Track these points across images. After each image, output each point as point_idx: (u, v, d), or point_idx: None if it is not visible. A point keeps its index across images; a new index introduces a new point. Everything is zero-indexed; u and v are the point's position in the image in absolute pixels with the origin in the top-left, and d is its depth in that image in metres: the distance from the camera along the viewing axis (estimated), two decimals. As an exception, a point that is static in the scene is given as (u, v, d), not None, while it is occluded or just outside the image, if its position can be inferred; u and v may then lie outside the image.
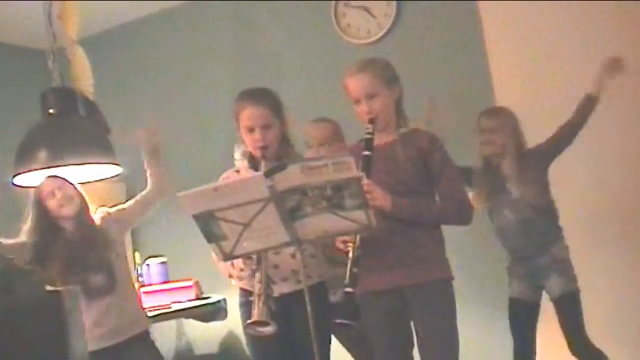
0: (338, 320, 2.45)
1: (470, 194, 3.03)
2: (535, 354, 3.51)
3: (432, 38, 4.42)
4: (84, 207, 3.28)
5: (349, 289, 2.46)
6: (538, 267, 3.45)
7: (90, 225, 3.28)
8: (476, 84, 4.24)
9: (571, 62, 3.99)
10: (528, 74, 4.10)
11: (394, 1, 4.49)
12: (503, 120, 3.51)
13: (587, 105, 3.41)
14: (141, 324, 3.36)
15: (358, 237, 2.51)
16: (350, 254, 2.52)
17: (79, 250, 3.20)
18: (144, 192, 3.42)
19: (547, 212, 3.48)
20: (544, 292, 3.52)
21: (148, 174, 3.41)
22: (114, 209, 3.41)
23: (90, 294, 3.18)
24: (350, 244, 2.52)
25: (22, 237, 3.21)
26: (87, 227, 3.26)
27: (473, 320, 3.92)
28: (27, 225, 3.23)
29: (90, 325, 3.13)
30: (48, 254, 3.16)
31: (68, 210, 3.22)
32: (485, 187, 3.50)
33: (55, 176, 3.27)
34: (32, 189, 3.27)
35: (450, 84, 4.28)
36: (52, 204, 3.21)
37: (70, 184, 3.28)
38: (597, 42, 3.93)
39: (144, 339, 3.35)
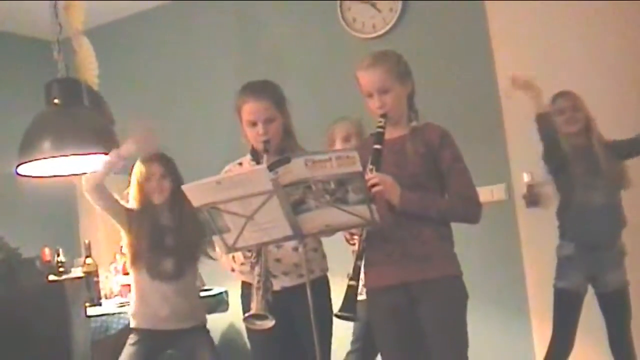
0: (338, 313, 2.45)
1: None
2: (572, 348, 3.46)
3: (437, 33, 4.41)
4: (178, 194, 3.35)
5: (351, 282, 2.46)
6: (604, 259, 3.42)
7: (185, 212, 3.30)
8: (481, 79, 4.24)
9: (576, 60, 3.98)
10: (533, 69, 4.08)
11: (400, -4, 4.50)
12: (578, 99, 3.51)
13: None
14: (200, 316, 3.48)
15: (365, 230, 2.51)
16: (357, 247, 2.52)
17: (166, 229, 3.34)
18: None
19: (620, 203, 3.47)
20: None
21: None
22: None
23: (159, 275, 3.30)
24: (356, 237, 2.52)
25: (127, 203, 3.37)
26: (181, 213, 3.33)
27: (485, 318, 3.91)
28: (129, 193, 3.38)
29: (147, 304, 3.29)
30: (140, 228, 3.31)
31: (161, 198, 3.34)
32: (577, 168, 3.44)
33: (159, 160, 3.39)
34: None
35: (455, 80, 4.28)
36: (149, 187, 3.34)
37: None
38: (602, 42, 3.93)
39: (204, 332, 3.46)
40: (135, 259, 3.32)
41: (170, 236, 3.34)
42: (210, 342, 3.46)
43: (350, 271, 2.49)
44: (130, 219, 3.34)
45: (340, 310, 2.44)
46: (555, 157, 3.48)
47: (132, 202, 3.38)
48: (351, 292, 2.45)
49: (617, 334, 3.42)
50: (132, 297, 3.43)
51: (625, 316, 3.42)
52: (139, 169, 3.36)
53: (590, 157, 3.44)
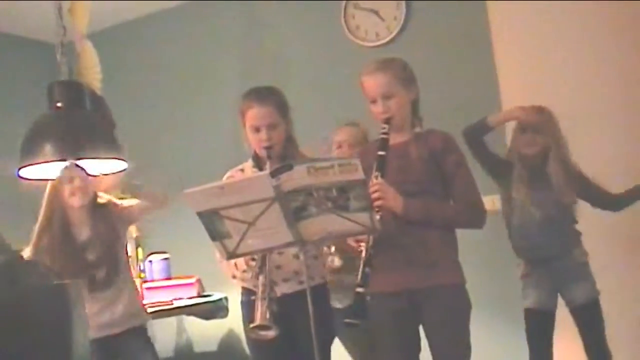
0: (347, 320, 2.44)
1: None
2: None
3: (440, 43, 4.42)
4: (94, 200, 3.32)
5: (359, 289, 2.46)
6: (559, 271, 3.37)
7: (100, 218, 3.30)
8: (483, 88, 4.24)
9: (579, 66, 3.97)
10: (535, 79, 4.09)
11: (404, 2, 4.50)
12: (545, 120, 3.40)
13: (635, 196, 3.38)
14: (139, 317, 3.40)
15: (372, 237, 2.50)
16: (363, 254, 2.52)
17: (87, 243, 3.25)
18: (139, 202, 3.40)
19: (569, 214, 3.42)
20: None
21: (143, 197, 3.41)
22: (121, 203, 3.42)
23: (94, 286, 3.23)
24: (362, 244, 2.52)
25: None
26: (97, 220, 3.29)
27: (485, 327, 3.90)
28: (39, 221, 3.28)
29: (92, 315, 3.18)
30: (55, 246, 3.21)
31: (79, 200, 3.25)
32: (522, 181, 3.39)
33: (76, 165, 3.30)
34: (49, 181, 3.30)
35: (458, 89, 4.29)
36: (66, 190, 3.25)
37: (87, 175, 3.31)
38: (605, 42, 3.92)
39: (141, 332, 3.39)
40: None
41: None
42: (148, 342, 3.42)
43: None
44: None
45: (349, 317, 2.44)
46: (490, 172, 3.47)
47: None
48: (360, 298, 2.45)
49: (592, 345, 3.36)
50: None
51: (597, 328, 3.36)
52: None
53: (540, 176, 3.38)
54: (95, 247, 3.26)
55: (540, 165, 3.41)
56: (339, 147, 3.59)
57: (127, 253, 3.45)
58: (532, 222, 3.38)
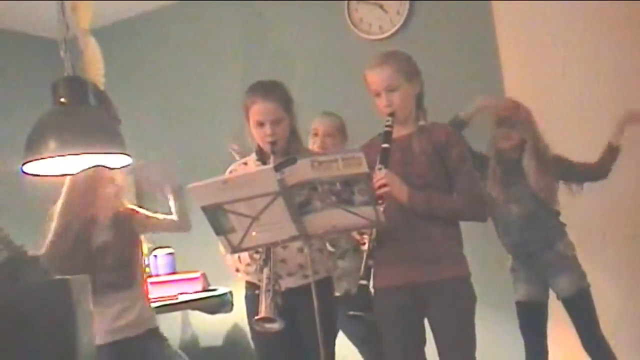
0: (351, 313, 2.44)
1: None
2: (547, 354, 3.48)
3: (444, 35, 4.41)
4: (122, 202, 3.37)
5: (363, 281, 2.46)
6: (543, 264, 3.41)
7: (121, 221, 3.33)
8: (487, 81, 4.23)
9: (582, 60, 3.98)
10: (539, 72, 4.08)
11: (407, -3, 4.50)
12: (521, 114, 3.45)
13: (610, 156, 3.41)
14: (153, 318, 3.44)
15: (375, 230, 2.50)
16: (367, 246, 2.52)
17: (104, 246, 3.28)
18: (168, 219, 3.46)
19: (550, 207, 3.45)
20: (550, 292, 3.49)
21: (173, 210, 3.45)
22: (143, 212, 3.48)
23: (110, 289, 3.25)
24: (366, 236, 2.52)
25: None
26: (118, 223, 3.32)
27: (488, 320, 3.90)
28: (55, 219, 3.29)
29: (109, 318, 3.23)
30: (69, 250, 3.24)
31: (119, 201, 3.31)
32: (500, 177, 3.44)
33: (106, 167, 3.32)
34: (74, 176, 3.31)
35: (462, 82, 4.27)
36: (110, 189, 3.31)
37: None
38: (608, 42, 3.92)
39: (157, 333, 3.43)
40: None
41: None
42: (164, 342, 3.47)
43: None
44: None
45: (353, 309, 2.44)
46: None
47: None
48: (363, 291, 2.45)
49: (586, 336, 3.40)
50: None
51: (590, 319, 3.39)
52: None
53: (517, 169, 3.42)
54: (113, 250, 3.29)
55: (516, 161, 3.44)
56: (315, 134, 3.63)
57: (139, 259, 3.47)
58: (511, 219, 3.43)
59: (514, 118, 3.43)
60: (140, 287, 3.42)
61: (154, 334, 3.41)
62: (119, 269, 3.29)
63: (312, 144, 3.61)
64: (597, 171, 3.45)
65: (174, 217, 3.46)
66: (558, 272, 3.40)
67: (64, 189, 3.32)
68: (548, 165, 3.40)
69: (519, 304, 3.52)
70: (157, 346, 3.40)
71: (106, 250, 3.28)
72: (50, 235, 3.28)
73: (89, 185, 3.33)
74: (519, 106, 3.48)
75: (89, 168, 3.28)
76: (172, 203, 3.44)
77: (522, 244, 3.44)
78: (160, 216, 3.48)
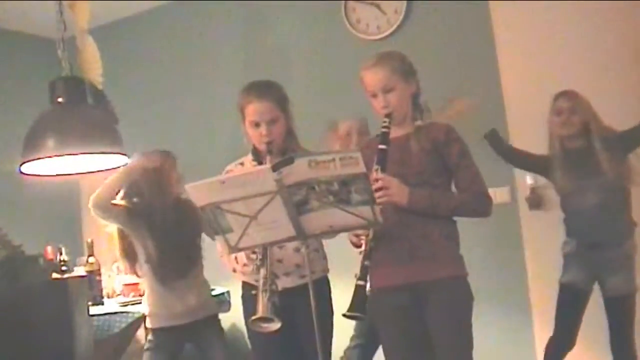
0: (347, 313, 2.45)
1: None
2: (574, 345, 3.46)
3: (442, 35, 4.41)
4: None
5: (359, 282, 2.46)
6: (606, 258, 3.39)
7: (185, 210, 3.33)
8: (485, 81, 4.23)
9: (580, 59, 3.98)
10: (537, 71, 4.09)
11: (404, -3, 4.50)
12: (581, 100, 3.47)
13: None
14: (208, 308, 3.47)
15: (372, 230, 2.50)
16: (363, 247, 2.52)
17: (169, 231, 3.31)
18: None
19: (623, 199, 3.44)
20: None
21: None
22: None
23: (170, 275, 3.30)
24: (363, 237, 2.52)
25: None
26: (181, 210, 3.34)
27: (487, 319, 3.90)
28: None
29: (165, 304, 3.30)
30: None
31: (181, 189, 3.31)
32: (571, 170, 3.43)
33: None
34: (142, 161, 3.35)
35: (459, 82, 4.28)
36: (173, 177, 3.35)
37: None
38: (606, 41, 3.93)
39: (213, 322, 3.48)
40: (148, 260, 3.34)
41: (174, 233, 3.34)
42: (221, 330, 3.51)
43: (358, 271, 2.49)
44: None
45: (349, 310, 2.44)
46: (525, 165, 3.62)
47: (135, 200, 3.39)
48: (360, 291, 2.45)
49: (618, 338, 3.39)
50: (146, 298, 3.45)
51: (628, 322, 3.39)
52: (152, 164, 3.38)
53: (588, 158, 3.42)
54: (178, 236, 3.32)
55: (585, 149, 3.43)
56: (348, 134, 3.62)
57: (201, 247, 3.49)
58: (589, 208, 3.40)
59: (573, 105, 3.46)
60: (201, 274, 3.46)
61: (213, 322, 3.46)
62: (183, 253, 3.33)
63: (340, 145, 3.61)
64: None
65: None
66: (617, 271, 3.38)
67: (121, 175, 3.33)
68: (615, 142, 3.39)
69: (563, 286, 3.49)
70: (213, 335, 3.44)
71: (169, 233, 3.31)
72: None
73: (163, 168, 3.38)
74: (577, 95, 3.49)
75: (160, 152, 3.37)
76: None
77: (592, 233, 3.41)
78: None
